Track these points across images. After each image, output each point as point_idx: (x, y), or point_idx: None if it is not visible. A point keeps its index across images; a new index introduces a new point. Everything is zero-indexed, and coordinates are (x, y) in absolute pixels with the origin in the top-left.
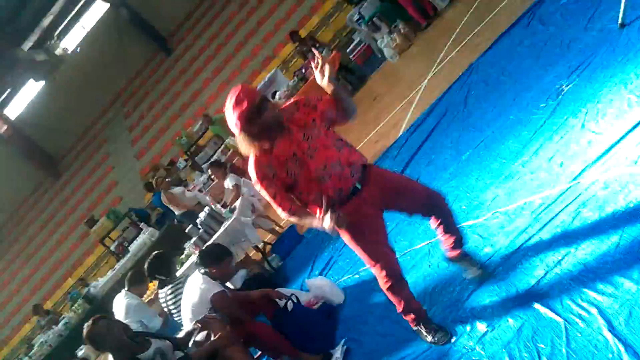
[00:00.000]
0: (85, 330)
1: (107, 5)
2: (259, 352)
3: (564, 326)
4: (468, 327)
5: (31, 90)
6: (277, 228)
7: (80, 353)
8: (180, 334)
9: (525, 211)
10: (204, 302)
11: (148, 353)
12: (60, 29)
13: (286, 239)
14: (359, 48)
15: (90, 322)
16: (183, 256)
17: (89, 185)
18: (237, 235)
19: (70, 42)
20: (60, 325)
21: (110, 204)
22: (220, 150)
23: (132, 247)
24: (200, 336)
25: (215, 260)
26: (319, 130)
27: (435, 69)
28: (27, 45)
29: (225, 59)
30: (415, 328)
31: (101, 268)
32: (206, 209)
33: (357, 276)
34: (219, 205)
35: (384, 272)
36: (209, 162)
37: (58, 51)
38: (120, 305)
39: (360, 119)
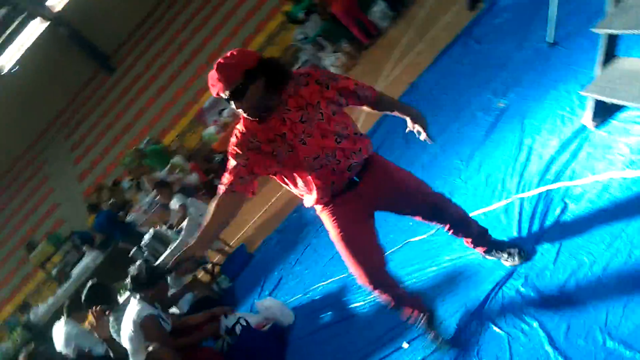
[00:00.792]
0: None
1: (46, 23)
2: None
3: (507, 340)
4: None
5: None
6: (226, 248)
7: None
8: None
9: None
10: (138, 331)
11: None
12: None
13: (236, 258)
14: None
15: (25, 354)
16: (127, 281)
17: (29, 207)
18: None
19: (7, 61)
20: None
21: (52, 226)
22: (166, 170)
23: (75, 272)
24: None
25: (147, 282)
26: (322, 114)
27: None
28: None
29: (169, 78)
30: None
31: (42, 294)
32: (151, 230)
33: (307, 295)
34: (165, 227)
35: (366, 278)
36: (155, 183)
37: None
38: (60, 334)
39: None
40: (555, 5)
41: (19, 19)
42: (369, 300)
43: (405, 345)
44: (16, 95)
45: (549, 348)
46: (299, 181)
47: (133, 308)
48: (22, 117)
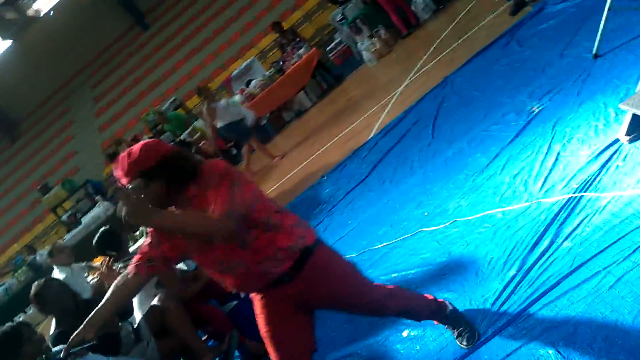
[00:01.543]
0: (34, 289)
1: None
2: (205, 336)
3: (511, 338)
4: (406, 333)
5: None
6: None
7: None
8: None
9: (486, 224)
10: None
11: None
12: None
13: None
14: (338, 48)
15: (42, 281)
16: (137, 233)
17: (47, 152)
18: None
19: (44, 4)
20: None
21: (67, 174)
22: (187, 132)
23: (85, 219)
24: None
25: None
26: None
27: (411, 77)
28: None
29: (201, 43)
30: None
31: (50, 237)
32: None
33: None
34: None
35: None
36: (175, 143)
37: (30, 12)
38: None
39: (332, 118)
40: (604, 18)
41: None
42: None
43: (405, 333)
44: (49, 40)
45: (551, 351)
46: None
47: None
48: (53, 61)
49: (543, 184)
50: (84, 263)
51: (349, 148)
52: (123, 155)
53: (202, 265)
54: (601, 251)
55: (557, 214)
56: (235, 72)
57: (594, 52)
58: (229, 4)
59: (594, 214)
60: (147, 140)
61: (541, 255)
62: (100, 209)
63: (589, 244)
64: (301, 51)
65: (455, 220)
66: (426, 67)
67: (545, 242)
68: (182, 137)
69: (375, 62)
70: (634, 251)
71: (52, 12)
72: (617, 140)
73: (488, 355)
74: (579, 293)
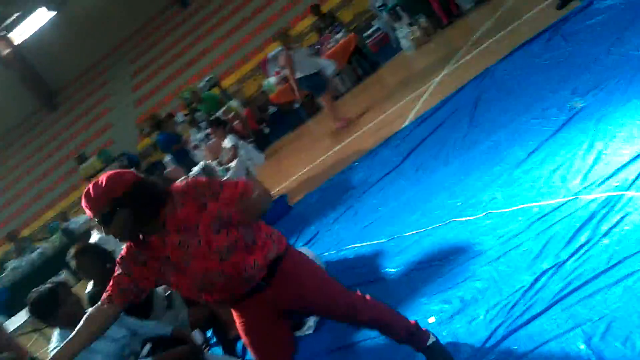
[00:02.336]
0: (71, 254)
1: None
2: None
3: (540, 333)
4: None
5: (41, 18)
6: None
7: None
8: None
9: (520, 217)
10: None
11: None
12: None
13: (275, 207)
14: (376, 35)
15: (77, 246)
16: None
17: (84, 122)
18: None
19: None
20: (34, 253)
21: (102, 145)
22: (221, 110)
23: None
24: None
25: None
26: (199, 241)
27: (449, 67)
28: None
29: (240, 22)
30: None
31: None
32: (202, 162)
33: (341, 253)
34: (214, 162)
35: None
36: (209, 120)
37: None
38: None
39: (367, 104)
40: None
41: None
42: (401, 269)
43: (431, 319)
44: (91, 13)
45: (583, 346)
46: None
47: None
48: (94, 34)
49: (582, 181)
50: None
51: (382, 136)
52: (88, 188)
53: (178, 287)
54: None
55: (595, 211)
56: (271, 54)
57: None
58: None
59: (634, 213)
60: (111, 172)
61: (577, 250)
62: None
63: (628, 242)
64: (338, 35)
65: (489, 212)
66: (465, 58)
67: (582, 238)
68: (216, 115)
69: (413, 50)
70: None
71: None
72: None
73: (517, 346)
74: (614, 290)
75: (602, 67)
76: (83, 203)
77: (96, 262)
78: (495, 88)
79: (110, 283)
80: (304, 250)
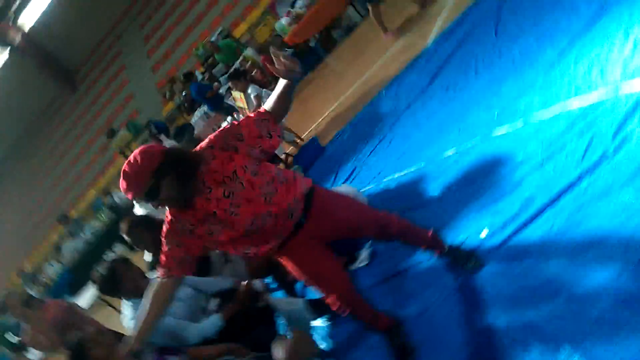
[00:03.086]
0: (124, 228)
1: None
2: None
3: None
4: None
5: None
6: (298, 141)
7: (111, 255)
8: None
9: (560, 119)
10: None
11: None
12: None
13: (308, 150)
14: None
15: (128, 219)
16: None
17: (106, 97)
18: None
19: None
20: (87, 232)
21: (129, 117)
22: (238, 61)
23: None
24: None
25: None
26: (242, 184)
27: None
28: None
29: None
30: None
31: None
32: (229, 118)
33: (381, 185)
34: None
35: (338, 303)
36: (228, 74)
37: None
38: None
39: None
40: None
41: None
42: (445, 190)
43: (483, 233)
44: None
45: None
46: (240, 250)
47: None
48: (98, 6)
49: (622, 72)
50: None
51: (405, 60)
52: (125, 172)
53: (229, 244)
54: None
55: (637, 107)
56: None
57: None
58: None
59: None
60: (138, 150)
61: (621, 143)
62: (166, 146)
63: None
64: None
65: (528, 119)
66: None
67: (628, 129)
68: (234, 67)
69: None
70: None
71: None
72: None
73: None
74: None
75: None
76: (123, 186)
77: (148, 233)
78: None
79: (163, 258)
80: (344, 187)
